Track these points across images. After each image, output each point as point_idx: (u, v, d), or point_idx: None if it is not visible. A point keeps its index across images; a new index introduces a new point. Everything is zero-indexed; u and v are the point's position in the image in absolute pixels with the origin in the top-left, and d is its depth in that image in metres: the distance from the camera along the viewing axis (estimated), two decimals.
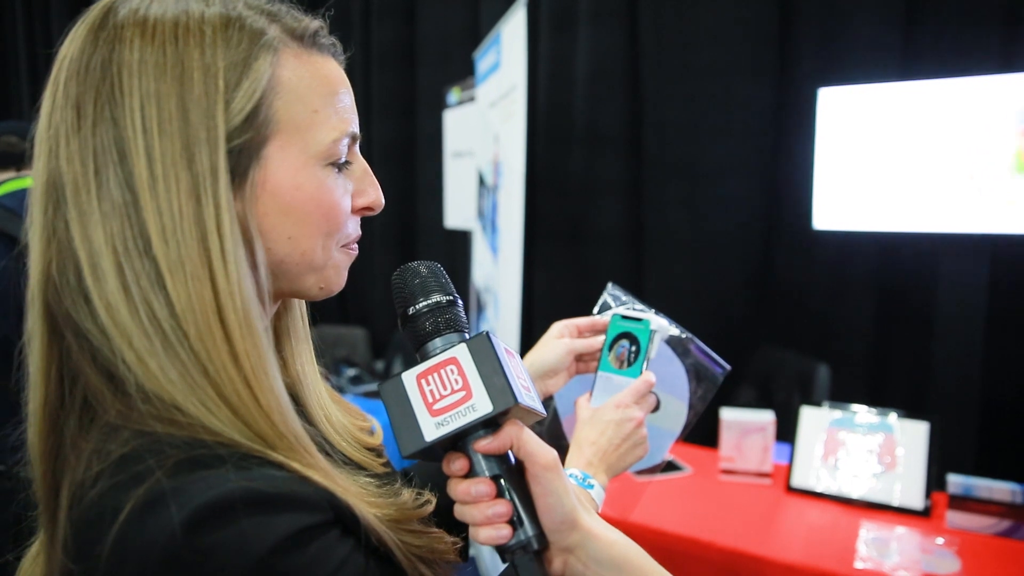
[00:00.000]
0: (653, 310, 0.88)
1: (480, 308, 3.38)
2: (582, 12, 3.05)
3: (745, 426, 1.87)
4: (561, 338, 0.87)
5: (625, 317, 0.85)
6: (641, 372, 0.82)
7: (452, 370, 0.53)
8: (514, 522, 0.54)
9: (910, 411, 1.78)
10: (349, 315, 4.21)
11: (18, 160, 1.52)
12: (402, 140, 4.03)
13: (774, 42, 2.70)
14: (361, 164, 0.60)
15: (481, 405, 0.52)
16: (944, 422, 1.80)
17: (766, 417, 1.87)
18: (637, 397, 0.80)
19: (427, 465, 0.59)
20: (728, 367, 0.87)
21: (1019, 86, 2.11)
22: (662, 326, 0.85)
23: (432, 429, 0.53)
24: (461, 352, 0.54)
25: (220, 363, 0.48)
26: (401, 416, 0.53)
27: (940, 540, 1.54)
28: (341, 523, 0.49)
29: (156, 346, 0.48)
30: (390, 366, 3.75)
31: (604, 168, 3.07)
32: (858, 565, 1.45)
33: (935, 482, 1.69)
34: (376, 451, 0.67)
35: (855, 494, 1.72)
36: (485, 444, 0.54)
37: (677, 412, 0.88)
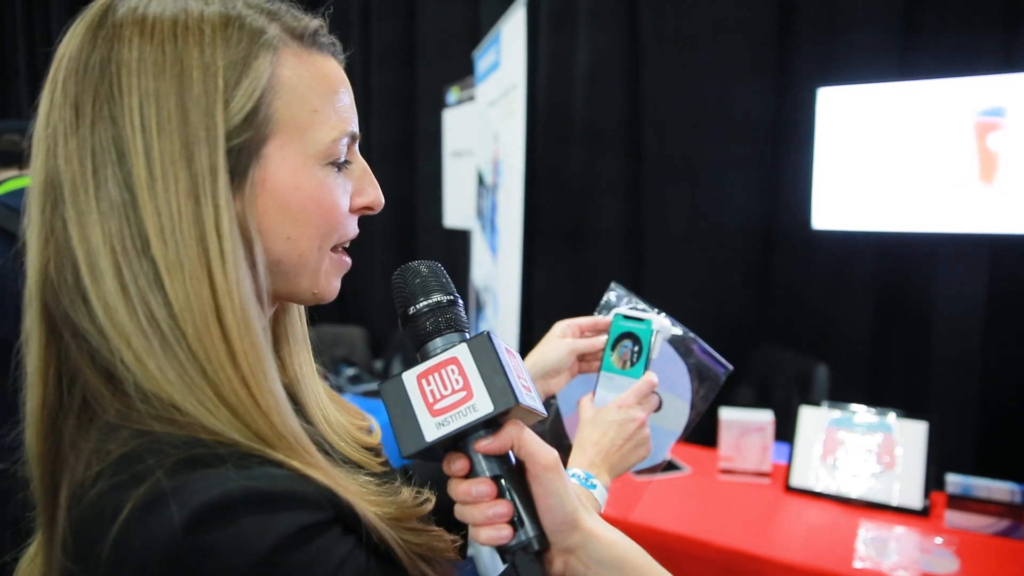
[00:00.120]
0: (655, 309, 0.88)
1: (479, 308, 3.38)
2: (582, 11, 3.05)
3: (744, 426, 1.87)
4: (563, 338, 0.87)
5: (627, 317, 0.86)
6: (643, 372, 0.82)
7: (453, 370, 0.53)
8: (515, 523, 0.54)
9: (909, 411, 1.78)
10: (348, 314, 4.21)
11: (20, 159, 1.51)
12: (401, 139, 4.03)
13: (773, 42, 2.70)
14: (361, 163, 0.59)
15: (482, 405, 0.52)
16: (943, 422, 1.80)
17: (765, 417, 1.87)
18: (640, 398, 0.80)
19: (427, 463, 0.59)
20: (730, 367, 0.87)
21: (1018, 86, 2.11)
22: (664, 326, 0.85)
23: (433, 429, 0.52)
24: (462, 352, 0.54)
25: (218, 363, 0.48)
26: (401, 416, 0.53)
27: (939, 540, 1.55)
28: (342, 521, 0.49)
29: (154, 346, 0.48)
30: (389, 365, 3.75)
31: (603, 167, 3.07)
32: (857, 565, 1.45)
33: (934, 482, 1.69)
34: (374, 450, 0.67)
35: (854, 494, 1.73)
36: (486, 444, 0.54)
37: (679, 412, 0.88)
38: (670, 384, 0.87)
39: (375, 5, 3.97)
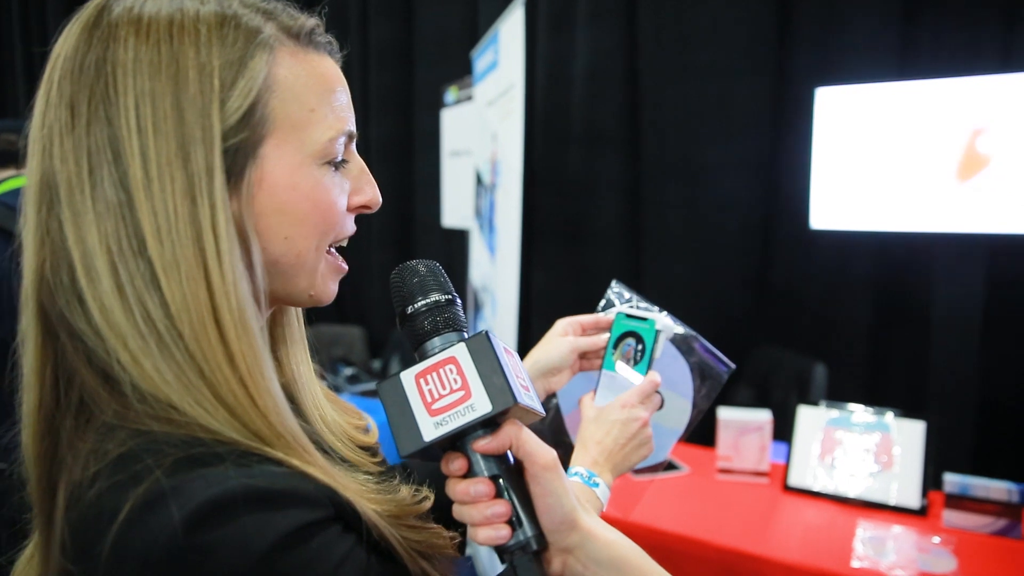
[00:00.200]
0: (657, 308, 0.88)
1: (477, 307, 3.38)
2: (580, 11, 3.05)
3: (742, 425, 1.87)
4: (565, 336, 0.87)
5: (630, 316, 0.85)
6: (646, 372, 0.82)
7: (451, 369, 0.53)
8: (513, 522, 0.54)
9: (907, 410, 1.78)
10: (346, 314, 4.21)
11: (17, 158, 1.51)
12: (400, 139, 4.03)
13: (772, 42, 2.71)
14: (358, 162, 0.59)
15: (480, 405, 0.52)
16: (941, 421, 1.81)
17: (763, 416, 1.87)
18: (643, 397, 0.81)
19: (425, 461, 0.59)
20: (732, 365, 0.87)
21: (1016, 86, 2.12)
22: (667, 325, 0.85)
23: (431, 429, 0.52)
24: (460, 351, 0.54)
25: (215, 363, 0.48)
26: (400, 416, 0.53)
27: (936, 539, 1.55)
28: (342, 519, 0.49)
29: (151, 347, 0.48)
30: (387, 365, 3.75)
31: (602, 167, 3.07)
32: (855, 564, 1.45)
33: (931, 481, 1.70)
34: (371, 450, 0.67)
35: (852, 493, 1.73)
36: (484, 444, 0.54)
37: (681, 410, 0.88)
38: (672, 383, 0.87)
39: (373, 5, 3.97)
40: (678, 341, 0.87)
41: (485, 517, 0.53)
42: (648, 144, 2.97)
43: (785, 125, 2.70)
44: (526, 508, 0.54)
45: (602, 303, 0.93)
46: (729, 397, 2.62)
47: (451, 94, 3.59)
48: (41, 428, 0.51)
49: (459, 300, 0.59)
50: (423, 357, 0.55)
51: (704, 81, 2.79)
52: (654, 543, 1.62)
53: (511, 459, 0.56)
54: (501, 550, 0.54)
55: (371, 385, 3.17)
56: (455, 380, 0.53)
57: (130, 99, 0.48)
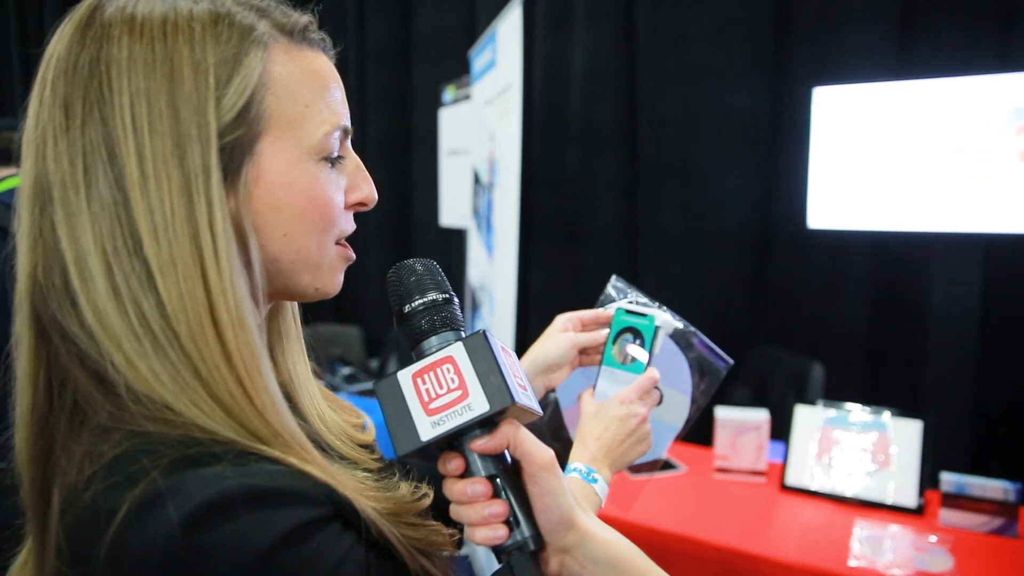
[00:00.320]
0: (656, 303, 0.88)
1: (475, 307, 3.37)
2: (578, 10, 3.05)
3: (740, 424, 1.87)
4: (565, 331, 0.87)
5: (629, 312, 0.85)
6: (645, 368, 0.82)
7: (448, 369, 0.53)
8: (510, 522, 0.53)
9: (904, 409, 1.79)
10: (344, 313, 4.20)
11: (17, 157, 1.50)
12: (397, 138, 4.02)
13: (769, 41, 2.71)
14: (353, 159, 0.59)
15: (477, 404, 0.52)
16: (937, 420, 1.81)
17: (761, 416, 1.87)
18: (641, 393, 0.81)
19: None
20: (731, 361, 0.88)
21: (1014, 86, 2.12)
22: (666, 321, 0.85)
23: (428, 428, 0.52)
24: (457, 351, 0.53)
25: (212, 363, 0.48)
26: (396, 415, 0.53)
27: (933, 538, 1.55)
28: (341, 517, 0.48)
29: (146, 347, 0.47)
30: (385, 364, 3.74)
31: (600, 167, 3.07)
32: (852, 563, 1.46)
33: (928, 480, 1.70)
34: (369, 447, 0.67)
35: (849, 492, 1.73)
36: (481, 444, 0.53)
37: (680, 406, 0.88)
38: (671, 378, 0.87)
39: (371, 3, 3.96)
40: (677, 336, 0.88)
41: (482, 517, 0.53)
42: (646, 144, 2.97)
43: (783, 125, 2.70)
44: (523, 508, 0.54)
45: (602, 298, 0.93)
46: (727, 396, 2.62)
47: (449, 93, 3.59)
48: (34, 431, 0.50)
49: (456, 299, 0.59)
50: (420, 356, 0.55)
51: (702, 81, 2.79)
52: (651, 542, 1.62)
53: (508, 459, 0.56)
54: (498, 550, 0.54)
55: (369, 384, 3.17)
56: (452, 379, 0.53)
57: (125, 98, 0.48)
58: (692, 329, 0.88)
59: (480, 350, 0.53)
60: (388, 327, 3.85)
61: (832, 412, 1.85)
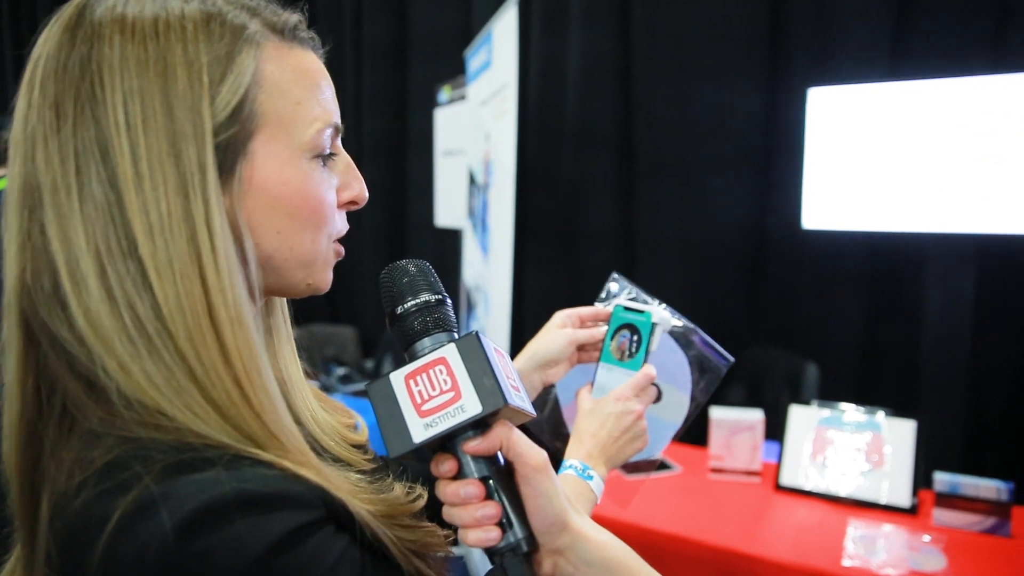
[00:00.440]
0: (656, 300, 0.88)
1: (470, 307, 3.37)
2: (574, 11, 3.05)
3: (734, 425, 1.88)
4: (563, 328, 0.87)
5: (628, 308, 0.85)
6: (642, 365, 0.82)
7: (441, 370, 0.53)
8: (503, 524, 0.53)
9: (898, 409, 1.79)
10: (338, 314, 4.19)
11: (4, 159, 1.50)
12: (392, 138, 4.02)
13: (764, 42, 2.71)
14: (344, 158, 0.59)
15: (470, 406, 0.52)
16: (931, 420, 1.81)
17: (755, 416, 1.88)
18: (637, 390, 0.81)
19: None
20: (732, 359, 0.87)
21: (1008, 87, 2.13)
22: (664, 318, 0.85)
23: (420, 430, 0.52)
24: (450, 352, 0.53)
25: (210, 363, 0.47)
26: (389, 417, 0.53)
27: (927, 538, 1.56)
28: (335, 520, 0.48)
29: (140, 350, 0.47)
30: (380, 365, 3.74)
31: (595, 167, 3.07)
32: (846, 563, 1.46)
33: (922, 480, 1.70)
34: (362, 448, 0.67)
35: (843, 492, 1.73)
36: (474, 445, 0.53)
37: (679, 404, 0.88)
38: (670, 376, 0.87)
39: (366, 3, 3.95)
40: (676, 334, 0.87)
41: (475, 519, 0.53)
42: (641, 144, 2.97)
43: (778, 125, 2.71)
44: (516, 510, 0.54)
45: (602, 295, 0.93)
46: (721, 396, 2.63)
47: (444, 93, 3.58)
48: (23, 438, 0.50)
49: (449, 300, 0.59)
50: (413, 358, 0.55)
51: (697, 81, 2.80)
52: (646, 543, 1.62)
53: (501, 460, 0.55)
54: (491, 552, 0.54)
55: (363, 385, 3.16)
56: (445, 381, 0.53)
57: (118, 97, 0.48)
58: (693, 326, 0.88)
59: (473, 351, 0.53)
60: (383, 327, 3.83)
61: (826, 412, 1.85)
